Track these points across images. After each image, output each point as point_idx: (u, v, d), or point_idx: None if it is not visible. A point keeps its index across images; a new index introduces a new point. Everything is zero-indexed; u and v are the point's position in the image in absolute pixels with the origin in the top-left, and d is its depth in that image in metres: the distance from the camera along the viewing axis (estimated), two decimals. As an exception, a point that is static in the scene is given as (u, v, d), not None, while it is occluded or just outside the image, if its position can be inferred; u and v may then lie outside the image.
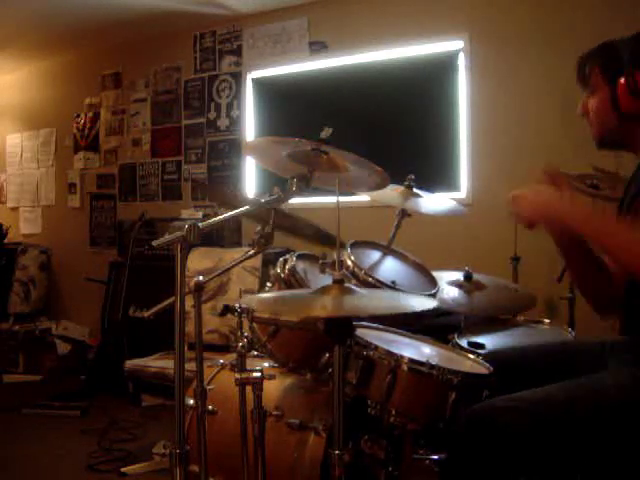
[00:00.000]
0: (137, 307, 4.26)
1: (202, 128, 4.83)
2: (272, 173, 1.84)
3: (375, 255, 2.20)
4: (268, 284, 1.96)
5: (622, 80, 1.45)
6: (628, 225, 1.43)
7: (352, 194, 2.25)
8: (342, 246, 1.95)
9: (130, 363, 3.05)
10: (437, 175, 3.81)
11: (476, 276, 2.38)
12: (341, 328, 1.36)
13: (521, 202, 1.49)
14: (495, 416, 1.26)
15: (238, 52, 4.64)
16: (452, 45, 3.84)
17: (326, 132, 1.54)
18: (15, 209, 6.06)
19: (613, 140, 1.56)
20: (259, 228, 1.74)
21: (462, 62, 3.80)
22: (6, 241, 5.55)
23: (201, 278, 1.56)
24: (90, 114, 5.48)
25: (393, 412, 1.51)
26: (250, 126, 4.63)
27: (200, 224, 1.32)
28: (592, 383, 1.32)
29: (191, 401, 1.57)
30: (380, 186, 1.80)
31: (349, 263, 1.94)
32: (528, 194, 1.49)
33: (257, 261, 3.20)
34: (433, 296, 2.02)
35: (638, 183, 1.53)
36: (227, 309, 1.75)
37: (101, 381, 4.29)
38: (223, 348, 2.91)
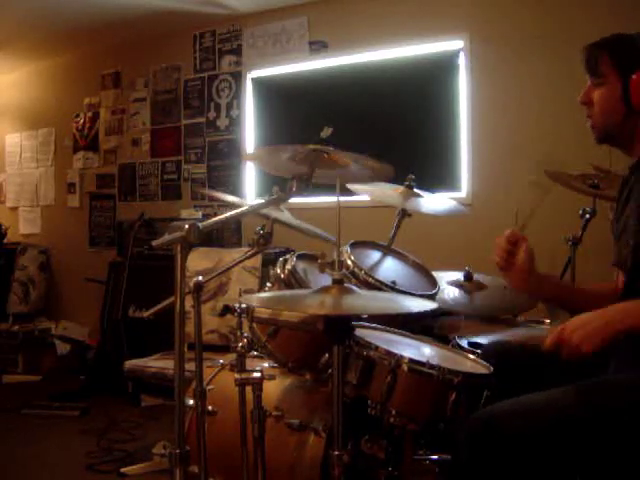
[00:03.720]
0: (137, 307, 4.26)
1: (202, 128, 4.82)
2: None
3: (375, 255, 2.19)
4: (268, 284, 1.96)
5: (635, 75, 1.42)
6: None
7: (353, 194, 2.25)
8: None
9: (130, 363, 3.04)
10: (437, 175, 3.81)
11: (476, 276, 2.38)
12: (340, 328, 1.36)
13: (572, 336, 1.27)
14: (496, 423, 1.24)
15: (238, 52, 4.64)
16: (452, 45, 3.84)
17: (326, 131, 1.54)
18: (14, 209, 6.05)
19: (612, 135, 1.53)
20: (259, 228, 1.74)
21: (462, 62, 3.80)
22: (5, 241, 5.54)
23: (201, 278, 1.56)
24: (89, 114, 5.48)
25: (393, 412, 1.50)
26: (250, 126, 4.62)
27: (200, 224, 1.31)
28: (593, 385, 1.31)
29: (191, 401, 1.56)
30: (385, 176, 1.77)
31: (349, 263, 1.93)
32: (574, 327, 1.28)
33: (257, 261, 3.20)
34: (433, 296, 2.02)
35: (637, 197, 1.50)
36: (227, 309, 1.75)
37: (101, 381, 4.28)
38: (223, 348, 2.90)
